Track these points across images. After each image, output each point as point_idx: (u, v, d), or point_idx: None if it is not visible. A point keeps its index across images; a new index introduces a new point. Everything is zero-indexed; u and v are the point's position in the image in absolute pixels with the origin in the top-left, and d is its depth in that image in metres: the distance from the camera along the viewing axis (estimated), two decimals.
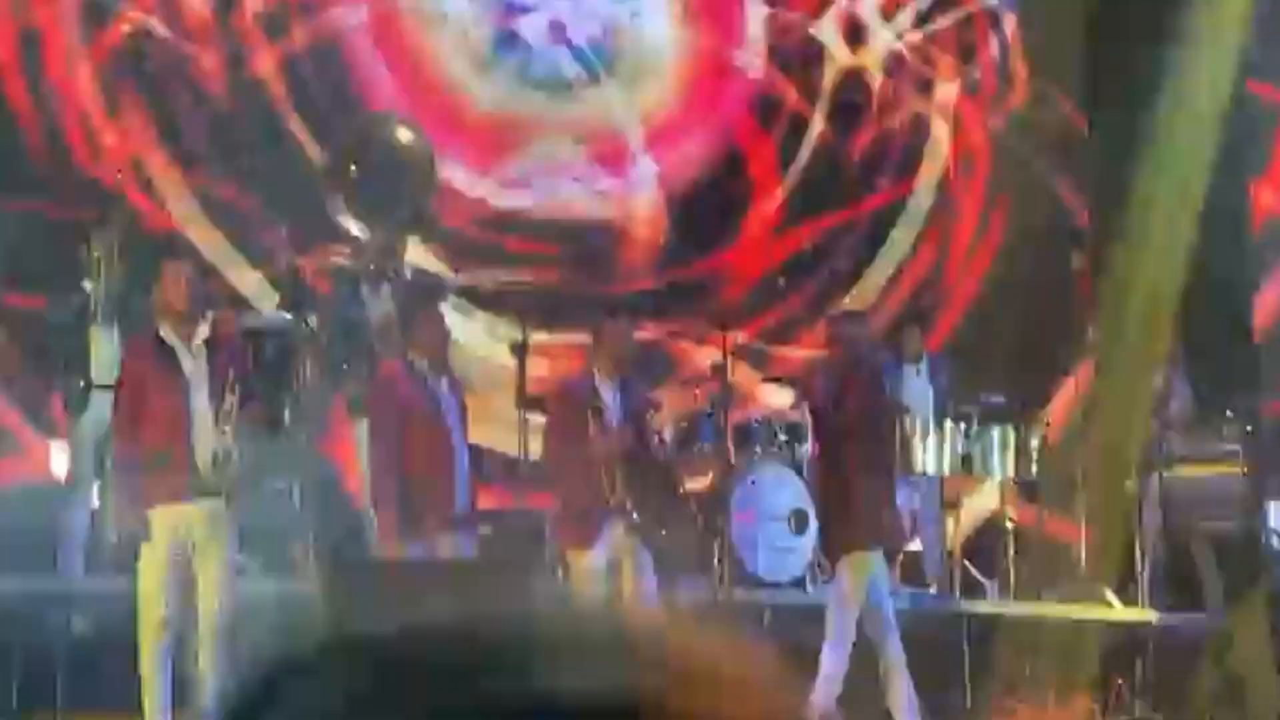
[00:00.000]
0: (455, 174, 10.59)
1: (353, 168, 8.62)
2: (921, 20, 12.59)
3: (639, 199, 11.85)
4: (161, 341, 7.46)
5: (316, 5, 11.09)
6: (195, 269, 7.64)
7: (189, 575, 7.41)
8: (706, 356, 9.85)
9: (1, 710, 7.33)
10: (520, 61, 11.61)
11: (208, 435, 7.37)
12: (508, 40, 11.60)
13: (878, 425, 8.53)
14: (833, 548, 8.57)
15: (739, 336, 10.01)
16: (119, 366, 8.28)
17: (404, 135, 8.93)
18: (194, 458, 7.35)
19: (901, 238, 12.37)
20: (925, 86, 12.59)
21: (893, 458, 8.84)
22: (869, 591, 8.32)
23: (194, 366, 7.42)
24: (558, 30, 11.67)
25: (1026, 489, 10.73)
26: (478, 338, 10.92)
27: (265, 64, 10.93)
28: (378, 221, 8.67)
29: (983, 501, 11.00)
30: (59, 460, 9.34)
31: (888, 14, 12.51)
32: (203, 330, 7.47)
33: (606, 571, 8.22)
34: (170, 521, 7.37)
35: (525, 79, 11.61)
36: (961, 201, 12.53)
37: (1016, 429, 10.45)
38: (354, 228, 8.78)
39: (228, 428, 7.35)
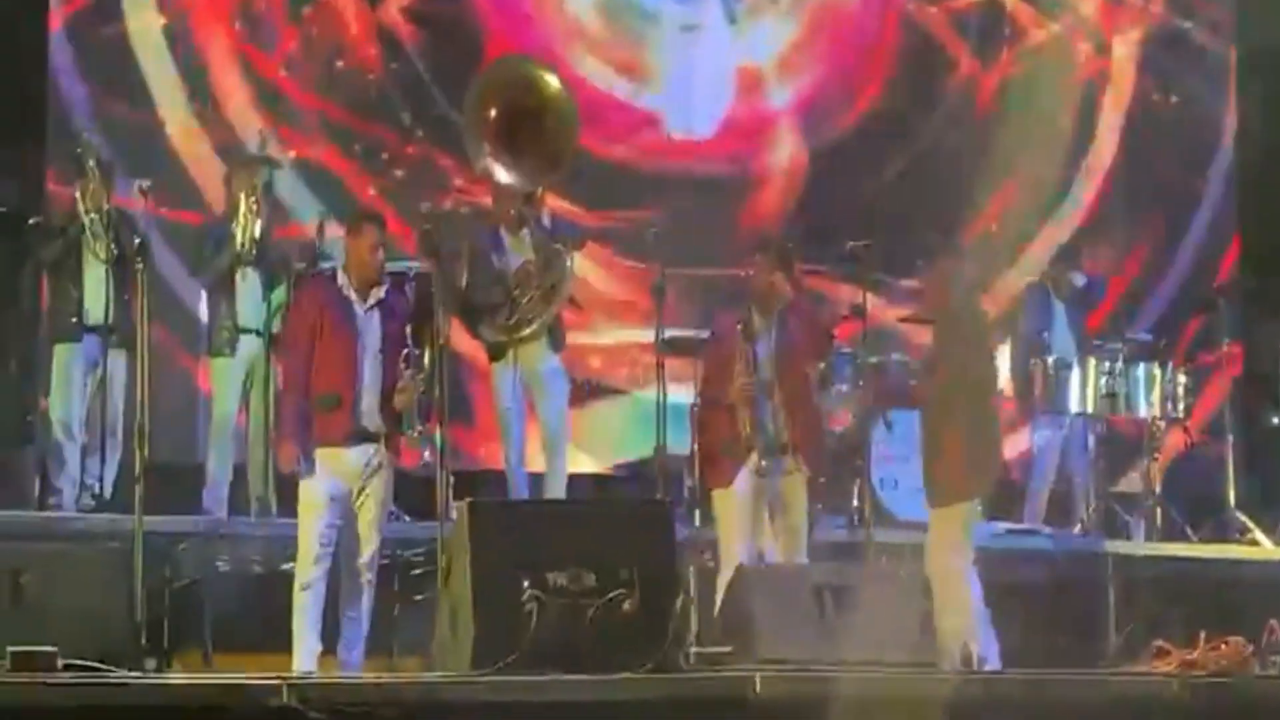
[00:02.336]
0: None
1: (492, 112, 8.60)
2: None
3: (777, 140, 11.76)
4: (339, 291, 7.75)
5: None
6: (384, 234, 7.88)
7: (347, 517, 7.66)
8: (844, 296, 9.75)
9: (152, 649, 7.47)
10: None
11: (372, 383, 7.66)
12: None
13: (976, 373, 8.35)
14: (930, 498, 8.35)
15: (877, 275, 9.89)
16: (289, 309, 8.57)
17: (544, 78, 8.89)
18: (360, 405, 7.67)
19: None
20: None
21: (993, 406, 8.62)
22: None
23: (366, 319, 7.74)
24: None
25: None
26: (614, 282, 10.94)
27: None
28: (519, 167, 8.65)
29: None
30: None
31: None
32: (379, 291, 7.80)
33: (750, 510, 8.20)
34: (332, 464, 7.69)
35: (657, 18, 11.57)
36: (1108, 141, 12.32)
37: (1163, 367, 10.30)
38: (496, 173, 8.77)
39: (408, 381, 7.62)
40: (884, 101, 11.80)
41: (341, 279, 7.84)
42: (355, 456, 7.69)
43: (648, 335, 8.83)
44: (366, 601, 7.74)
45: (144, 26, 10.57)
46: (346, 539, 7.70)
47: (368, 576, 7.74)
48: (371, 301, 7.79)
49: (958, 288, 8.51)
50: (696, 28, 11.62)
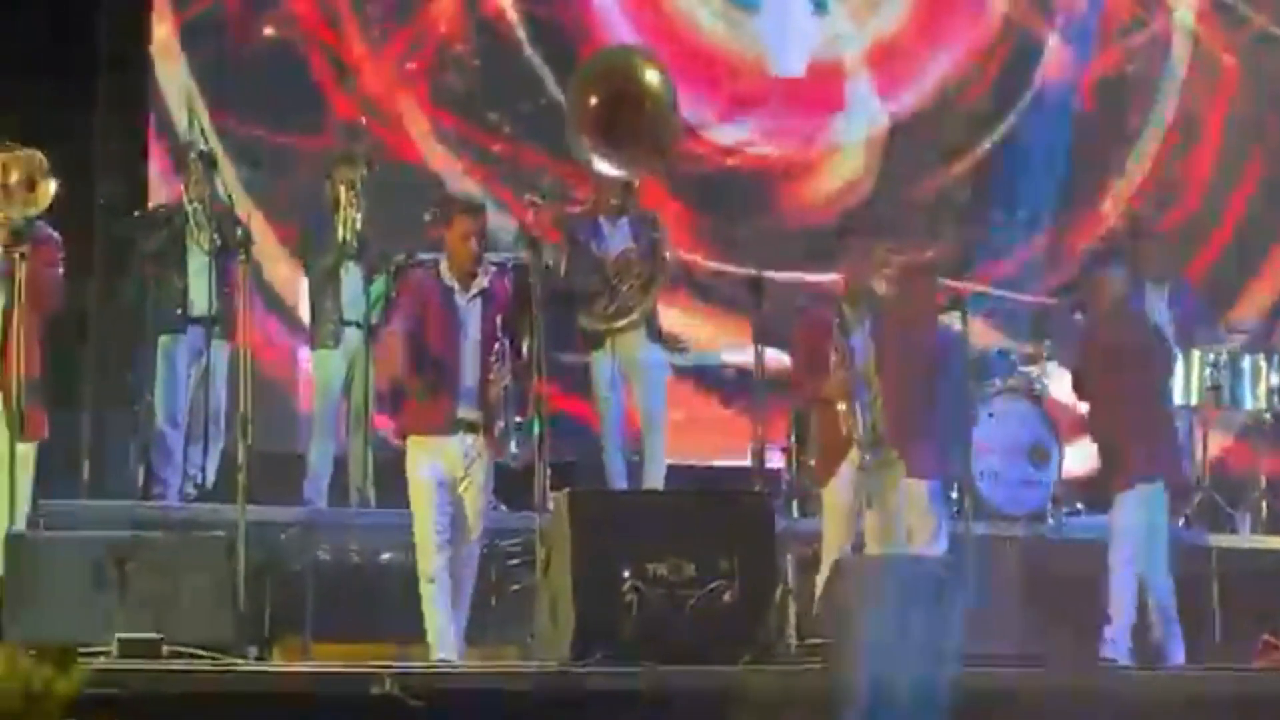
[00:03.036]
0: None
1: (593, 100, 8.60)
2: None
3: (862, 129, 11.68)
4: (441, 280, 7.80)
5: None
6: (482, 224, 7.90)
7: (456, 503, 7.66)
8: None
9: (252, 637, 7.53)
10: None
11: (472, 372, 7.67)
12: None
13: (1140, 363, 8.44)
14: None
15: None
16: (390, 299, 8.66)
17: (646, 69, 8.88)
18: (459, 393, 7.68)
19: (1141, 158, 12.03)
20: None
21: (1161, 392, 8.80)
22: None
23: (467, 309, 7.76)
24: None
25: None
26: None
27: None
28: (620, 157, 8.65)
29: None
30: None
31: None
32: (481, 280, 7.81)
33: (851, 506, 8.16)
34: (432, 451, 7.67)
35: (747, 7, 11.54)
36: (1205, 123, 12.13)
37: (1269, 358, 10.15)
38: (596, 163, 8.77)
39: (497, 373, 7.64)
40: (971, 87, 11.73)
41: (443, 268, 7.87)
42: (455, 445, 7.69)
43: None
44: (466, 591, 7.74)
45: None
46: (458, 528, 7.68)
47: (469, 567, 7.74)
48: (474, 291, 7.80)
49: (1118, 284, 8.60)
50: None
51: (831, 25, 11.64)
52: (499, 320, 7.75)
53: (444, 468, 7.69)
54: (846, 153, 11.51)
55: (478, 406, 7.71)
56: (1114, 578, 8.51)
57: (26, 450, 7.32)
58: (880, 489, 8.12)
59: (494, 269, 7.96)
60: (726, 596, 6.90)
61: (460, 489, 7.71)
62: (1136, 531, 8.52)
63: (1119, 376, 8.54)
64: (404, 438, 7.84)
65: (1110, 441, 8.64)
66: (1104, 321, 8.82)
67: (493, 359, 7.68)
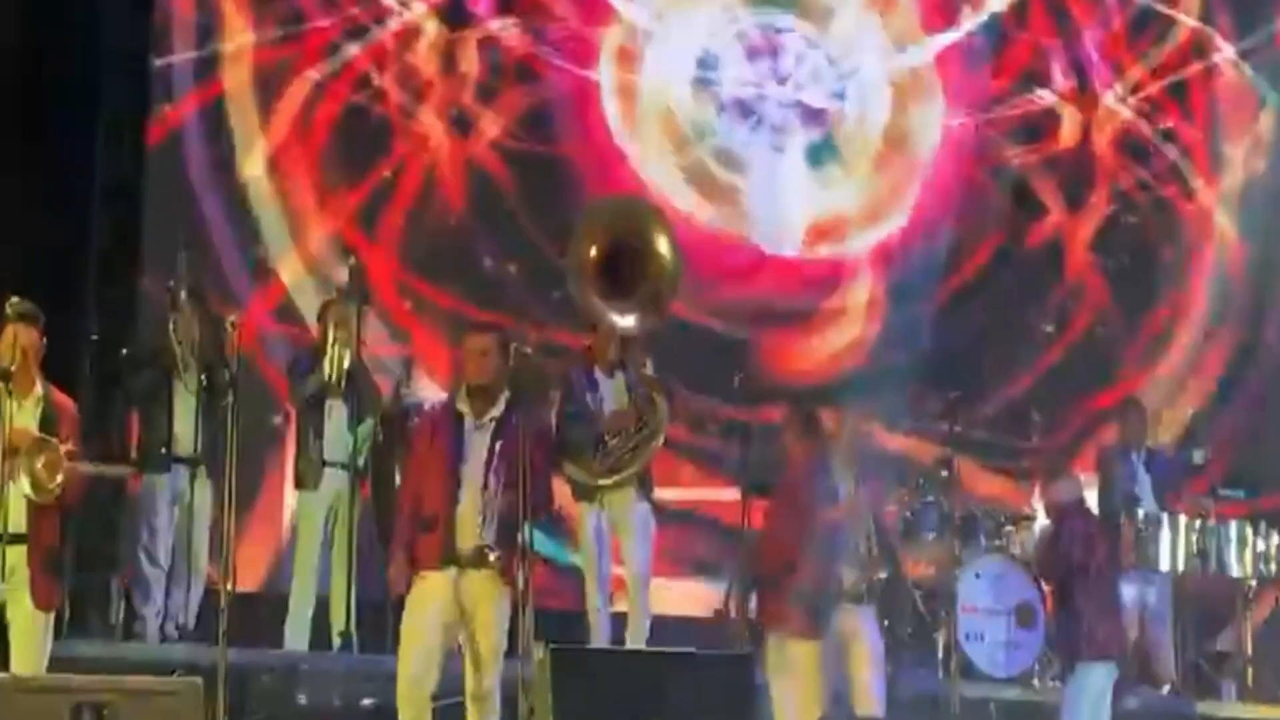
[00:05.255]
0: None
1: (593, 251, 8.58)
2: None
3: (852, 289, 11.74)
4: (455, 411, 7.57)
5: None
6: (498, 343, 7.64)
7: (451, 644, 7.42)
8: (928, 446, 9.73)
9: None
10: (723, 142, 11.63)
11: (474, 503, 7.42)
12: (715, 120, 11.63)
13: (1097, 569, 8.84)
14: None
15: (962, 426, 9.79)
16: (377, 441, 8.46)
17: (651, 223, 8.86)
18: (455, 525, 7.41)
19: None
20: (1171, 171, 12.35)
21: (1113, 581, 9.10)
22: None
23: (474, 436, 7.49)
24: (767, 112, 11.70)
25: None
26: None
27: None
28: (623, 307, 8.60)
29: None
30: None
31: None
32: (496, 408, 7.55)
33: (832, 660, 8.10)
34: (432, 591, 7.42)
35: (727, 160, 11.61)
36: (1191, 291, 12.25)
37: (1254, 525, 10.15)
38: (600, 313, 8.69)
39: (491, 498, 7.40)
40: (968, 250, 11.82)
41: (460, 395, 7.61)
42: (455, 580, 7.41)
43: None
44: None
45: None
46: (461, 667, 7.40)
47: (490, 704, 7.38)
48: (487, 418, 7.53)
49: (1069, 489, 8.85)
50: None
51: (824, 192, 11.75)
52: (499, 448, 7.44)
53: (443, 607, 7.40)
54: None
55: (478, 536, 7.40)
56: None
57: (42, 617, 7.18)
58: (845, 647, 8.07)
59: (508, 394, 7.59)
60: None
61: (469, 628, 7.39)
62: (1087, 700, 8.73)
63: (1071, 567, 8.83)
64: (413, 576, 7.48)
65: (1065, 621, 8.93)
66: (1059, 521, 9.07)
67: (489, 485, 7.40)
